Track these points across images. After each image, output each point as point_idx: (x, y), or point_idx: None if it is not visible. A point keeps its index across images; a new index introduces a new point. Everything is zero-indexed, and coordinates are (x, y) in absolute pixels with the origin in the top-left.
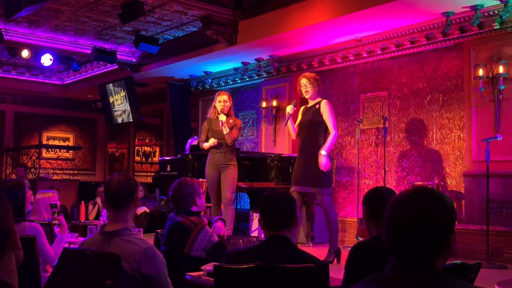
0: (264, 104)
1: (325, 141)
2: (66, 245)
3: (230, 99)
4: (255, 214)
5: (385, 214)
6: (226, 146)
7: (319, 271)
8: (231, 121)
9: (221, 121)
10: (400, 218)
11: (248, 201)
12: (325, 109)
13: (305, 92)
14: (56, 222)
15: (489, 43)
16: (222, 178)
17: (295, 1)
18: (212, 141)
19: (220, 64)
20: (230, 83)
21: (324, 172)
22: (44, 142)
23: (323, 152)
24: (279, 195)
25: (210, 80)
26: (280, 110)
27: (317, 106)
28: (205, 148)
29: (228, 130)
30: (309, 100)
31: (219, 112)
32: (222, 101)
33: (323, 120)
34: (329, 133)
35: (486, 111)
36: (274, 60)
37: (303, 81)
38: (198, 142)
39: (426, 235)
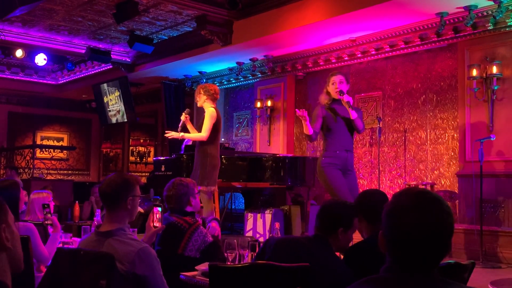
0: (258, 104)
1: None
2: (60, 245)
3: None
4: (249, 214)
5: (388, 220)
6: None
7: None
8: None
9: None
10: (410, 227)
11: (243, 201)
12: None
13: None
14: (49, 222)
15: (483, 44)
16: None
17: (289, 2)
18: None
19: (215, 64)
20: (225, 83)
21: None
22: (38, 142)
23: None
24: (337, 204)
25: (204, 80)
26: (274, 110)
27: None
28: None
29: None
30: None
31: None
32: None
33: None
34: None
35: (480, 111)
36: (268, 60)
37: None
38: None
39: (437, 243)
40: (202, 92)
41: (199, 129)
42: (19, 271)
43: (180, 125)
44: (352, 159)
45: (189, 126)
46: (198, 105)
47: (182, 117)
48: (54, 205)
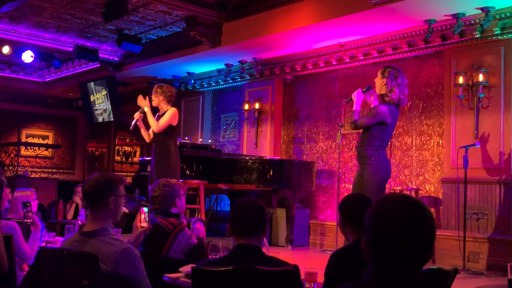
0: (246, 107)
1: (174, 146)
2: (43, 244)
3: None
4: None
5: (371, 226)
6: None
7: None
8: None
9: None
10: (394, 232)
11: (229, 202)
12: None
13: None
14: (29, 221)
15: (470, 52)
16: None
17: (279, 5)
18: None
19: (204, 65)
20: (213, 84)
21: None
22: (23, 139)
23: None
24: (251, 202)
25: (193, 81)
26: (262, 112)
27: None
28: None
29: None
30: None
31: None
32: None
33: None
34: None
35: (466, 119)
36: (257, 63)
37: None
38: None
39: (420, 247)
40: (159, 92)
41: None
42: (3, 271)
43: (132, 123)
44: (361, 157)
45: (142, 128)
46: (154, 104)
47: (136, 115)
48: (37, 203)
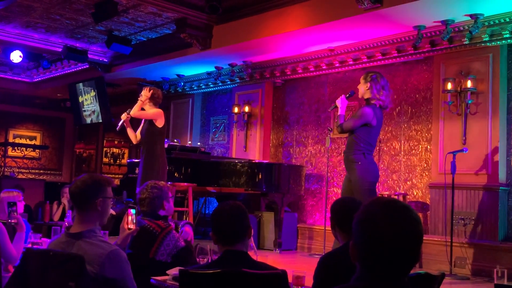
0: (236, 110)
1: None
2: (30, 245)
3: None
4: None
5: (359, 230)
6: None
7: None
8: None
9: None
10: (381, 236)
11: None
12: None
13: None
14: (14, 221)
15: (459, 58)
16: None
17: (270, 8)
18: None
19: (193, 67)
20: (203, 87)
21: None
22: (11, 140)
23: None
24: (230, 208)
25: (182, 84)
26: (252, 116)
27: None
28: None
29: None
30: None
31: None
32: None
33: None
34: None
35: (454, 124)
36: (247, 66)
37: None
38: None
39: (408, 251)
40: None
41: (146, 133)
42: None
43: (119, 124)
44: (348, 162)
45: (128, 129)
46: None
47: (123, 116)
48: (24, 204)
